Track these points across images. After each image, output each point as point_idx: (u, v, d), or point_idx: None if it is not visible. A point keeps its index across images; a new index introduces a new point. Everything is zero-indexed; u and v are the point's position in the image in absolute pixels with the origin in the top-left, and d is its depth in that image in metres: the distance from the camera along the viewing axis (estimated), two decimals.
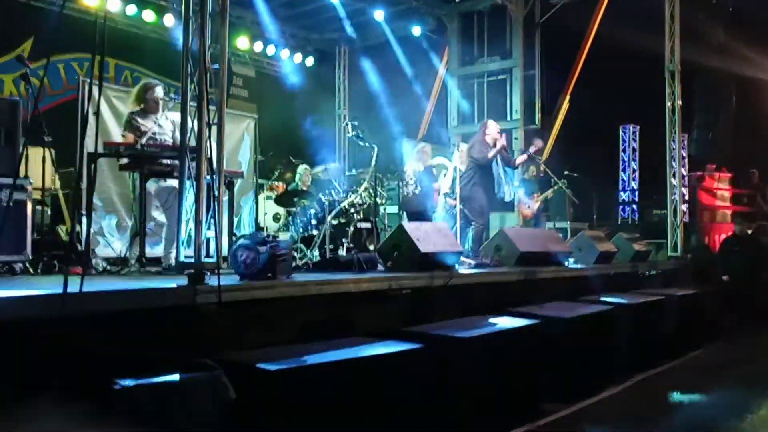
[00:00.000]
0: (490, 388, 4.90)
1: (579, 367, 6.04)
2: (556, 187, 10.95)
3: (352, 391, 3.83)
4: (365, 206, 8.75)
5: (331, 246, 8.11)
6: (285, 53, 14.14)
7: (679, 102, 11.19)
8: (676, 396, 6.36)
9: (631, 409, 5.95)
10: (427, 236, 6.04)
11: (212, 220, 4.30)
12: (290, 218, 9.16)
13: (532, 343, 5.49)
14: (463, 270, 6.58)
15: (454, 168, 9.14)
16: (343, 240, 8.35)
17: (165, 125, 6.50)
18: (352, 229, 8.49)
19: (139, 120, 6.41)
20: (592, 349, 6.31)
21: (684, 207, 12.09)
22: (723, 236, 12.38)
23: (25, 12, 10.15)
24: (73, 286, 3.41)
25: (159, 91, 6.54)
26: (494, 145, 8.70)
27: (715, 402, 6.18)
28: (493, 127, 8.84)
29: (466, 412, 4.64)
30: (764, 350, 8.60)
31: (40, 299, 3.46)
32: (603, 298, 7.39)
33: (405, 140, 9.60)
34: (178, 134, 6.06)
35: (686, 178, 13.16)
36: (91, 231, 5.71)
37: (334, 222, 8.46)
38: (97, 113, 5.16)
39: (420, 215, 8.97)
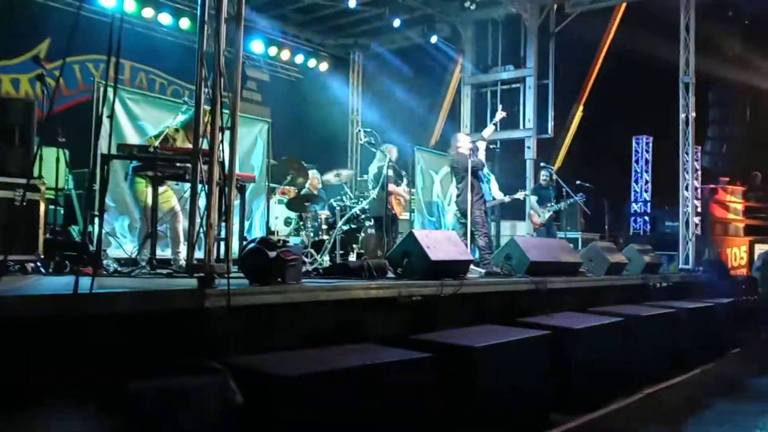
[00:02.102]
0: (498, 398, 4.88)
1: (588, 379, 6.00)
2: (571, 201, 10.90)
3: (361, 398, 3.82)
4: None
5: (341, 252, 8.12)
6: (299, 58, 14.19)
7: (693, 114, 11.14)
8: (686, 410, 6.30)
9: (640, 423, 5.91)
10: (437, 244, 6.03)
11: (223, 224, 4.30)
12: (301, 223, 9.17)
13: (542, 353, 5.47)
14: (473, 278, 6.56)
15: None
16: (354, 246, 8.36)
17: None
18: (362, 235, 8.49)
19: (176, 140, 6.49)
20: (602, 360, 6.28)
21: (696, 219, 12.03)
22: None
23: (42, 13, 10.22)
24: (84, 287, 3.42)
25: None
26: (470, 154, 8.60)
27: (724, 417, 6.12)
28: (463, 140, 8.74)
29: (474, 422, 4.61)
30: None
31: (51, 299, 3.47)
32: (613, 310, 7.35)
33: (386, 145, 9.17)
34: None
35: (699, 191, 13.10)
36: (103, 232, 5.73)
37: (345, 227, 8.48)
38: (111, 115, 5.17)
39: (379, 221, 8.69)
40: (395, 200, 9.20)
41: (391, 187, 8.74)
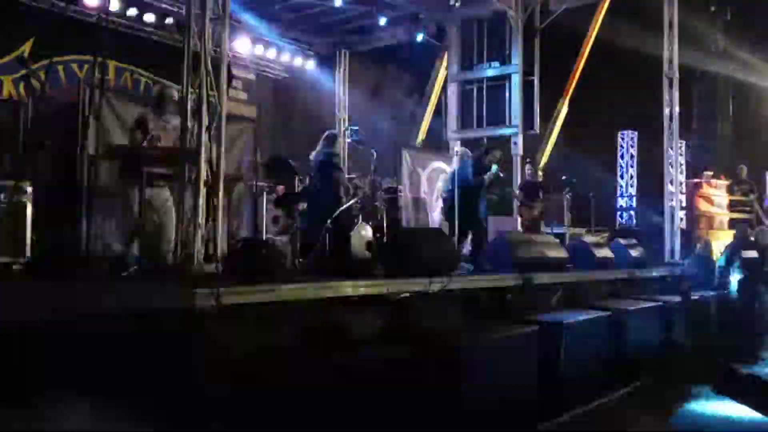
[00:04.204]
0: (488, 394, 4.91)
1: (578, 372, 6.05)
2: (557, 196, 10.94)
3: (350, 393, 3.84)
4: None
5: (330, 249, 8.10)
6: (285, 57, 14.17)
7: (677, 108, 11.20)
8: (676, 404, 6.37)
9: (630, 416, 5.96)
10: (426, 241, 6.05)
11: (211, 223, 4.31)
12: (290, 221, 9.16)
13: (531, 348, 5.51)
14: (460, 275, 6.59)
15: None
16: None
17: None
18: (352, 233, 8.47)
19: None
20: (591, 354, 6.33)
21: (681, 213, 12.11)
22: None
23: (26, 13, 10.14)
24: (73, 288, 3.42)
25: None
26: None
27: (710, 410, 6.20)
28: None
29: (462, 419, 4.64)
30: None
31: (40, 301, 3.47)
32: (600, 304, 7.40)
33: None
34: None
35: (684, 185, 13.20)
36: (91, 233, 5.72)
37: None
38: (98, 116, 5.17)
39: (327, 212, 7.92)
40: None
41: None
